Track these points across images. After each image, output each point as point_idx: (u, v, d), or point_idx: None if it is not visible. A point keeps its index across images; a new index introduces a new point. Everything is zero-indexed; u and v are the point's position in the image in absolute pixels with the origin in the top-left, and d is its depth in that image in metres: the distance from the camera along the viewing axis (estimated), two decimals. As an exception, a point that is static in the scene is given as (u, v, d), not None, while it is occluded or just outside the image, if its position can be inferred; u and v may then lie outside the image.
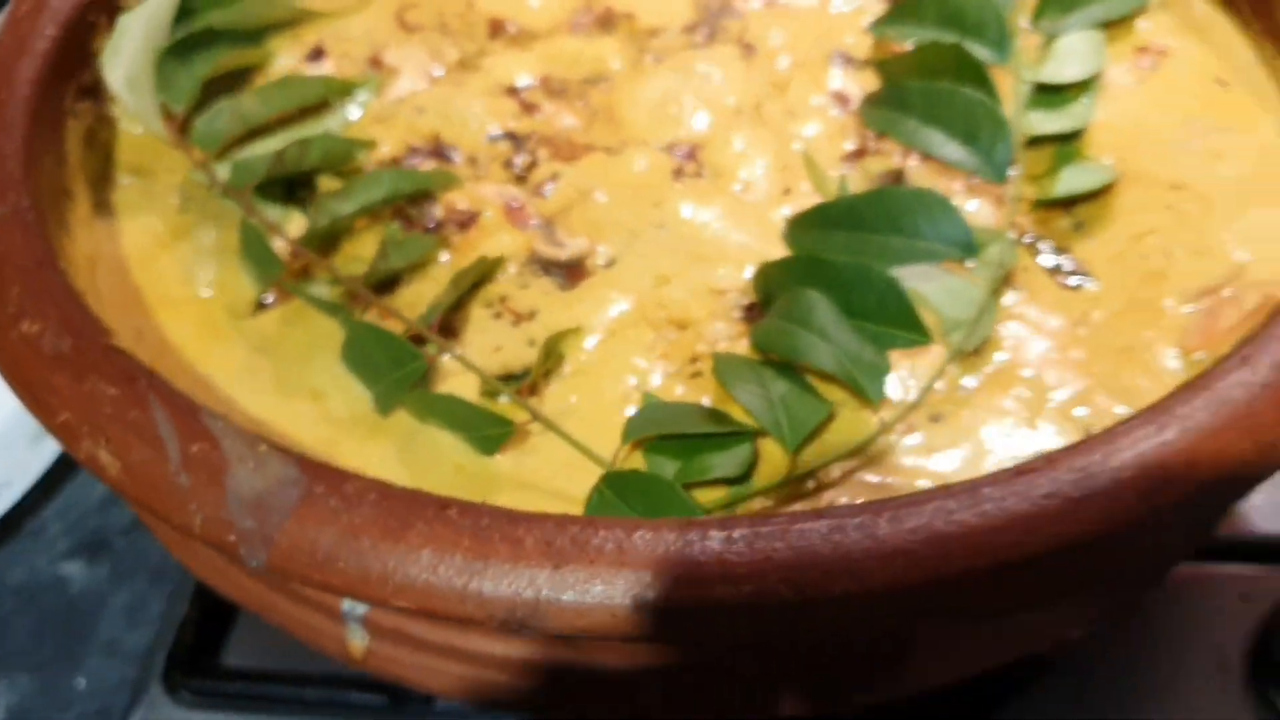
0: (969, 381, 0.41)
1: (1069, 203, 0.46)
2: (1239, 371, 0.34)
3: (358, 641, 0.38)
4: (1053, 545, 0.31)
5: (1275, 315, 0.37)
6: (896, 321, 0.40)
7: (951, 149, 0.46)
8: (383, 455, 0.40)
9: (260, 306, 0.45)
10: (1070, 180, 0.47)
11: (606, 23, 0.57)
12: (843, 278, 0.40)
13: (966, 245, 0.42)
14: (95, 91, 0.51)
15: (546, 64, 0.55)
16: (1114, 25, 0.54)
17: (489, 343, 0.43)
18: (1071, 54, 0.52)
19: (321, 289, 0.44)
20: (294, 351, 0.43)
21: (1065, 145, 0.48)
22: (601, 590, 0.30)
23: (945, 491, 0.31)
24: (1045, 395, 0.40)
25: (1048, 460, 0.32)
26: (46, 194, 0.45)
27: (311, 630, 0.39)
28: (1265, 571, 0.53)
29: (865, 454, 0.38)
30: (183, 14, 0.53)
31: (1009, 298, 0.43)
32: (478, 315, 0.44)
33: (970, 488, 0.31)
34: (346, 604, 0.37)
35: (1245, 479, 0.33)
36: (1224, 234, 0.45)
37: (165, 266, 0.47)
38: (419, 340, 0.42)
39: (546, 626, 0.31)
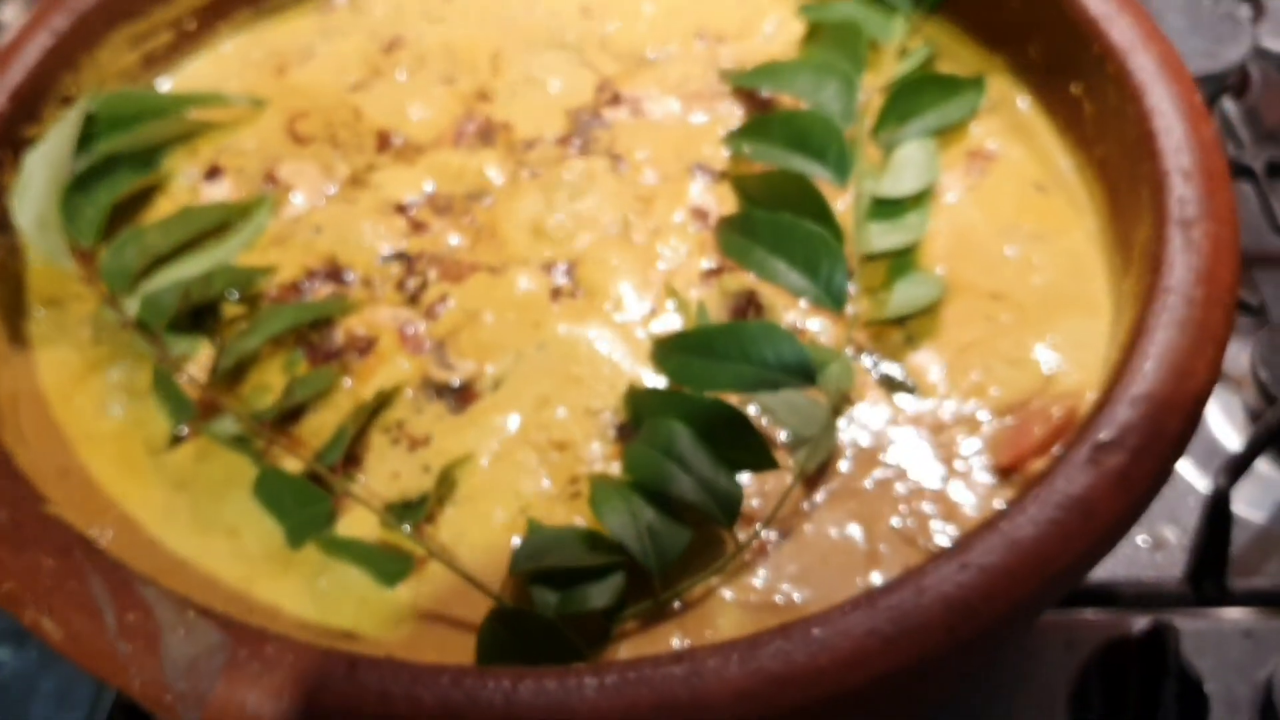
0: (815, 498, 0.46)
1: (902, 318, 0.52)
2: (1030, 509, 0.40)
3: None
4: (874, 678, 0.37)
5: (1068, 443, 0.43)
6: (748, 451, 0.46)
7: (794, 278, 0.52)
8: (295, 591, 0.44)
9: (175, 440, 0.49)
10: (902, 297, 0.52)
11: (486, 134, 0.61)
12: (700, 409, 0.46)
13: (807, 373, 0.48)
14: (2, 224, 0.54)
15: (432, 177, 0.59)
16: (947, 131, 0.60)
17: (388, 470, 0.48)
18: (907, 166, 0.58)
19: (230, 424, 0.48)
20: (209, 487, 0.48)
21: (900, 258, 0.54)
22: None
23: (781, 632, 0.37)
24: (879, 510, 0.46)
25: (867, 598, 0.38)
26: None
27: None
28: (1086, 617, 0.60)
29: (722, 572, 0.44)
30: (83, 142, 0.57)
31: (852, 412, 0.49)
32: (377, 442, 0.49)
33: (802, 628, 0.37)
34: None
35: (1036, 607, 0.39)
36: (1035, 343, 0.51)
37: (82, 401, 0.51)
38: (321, 475, 0.47)
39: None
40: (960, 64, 0.63)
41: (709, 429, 0.46)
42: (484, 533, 0.46)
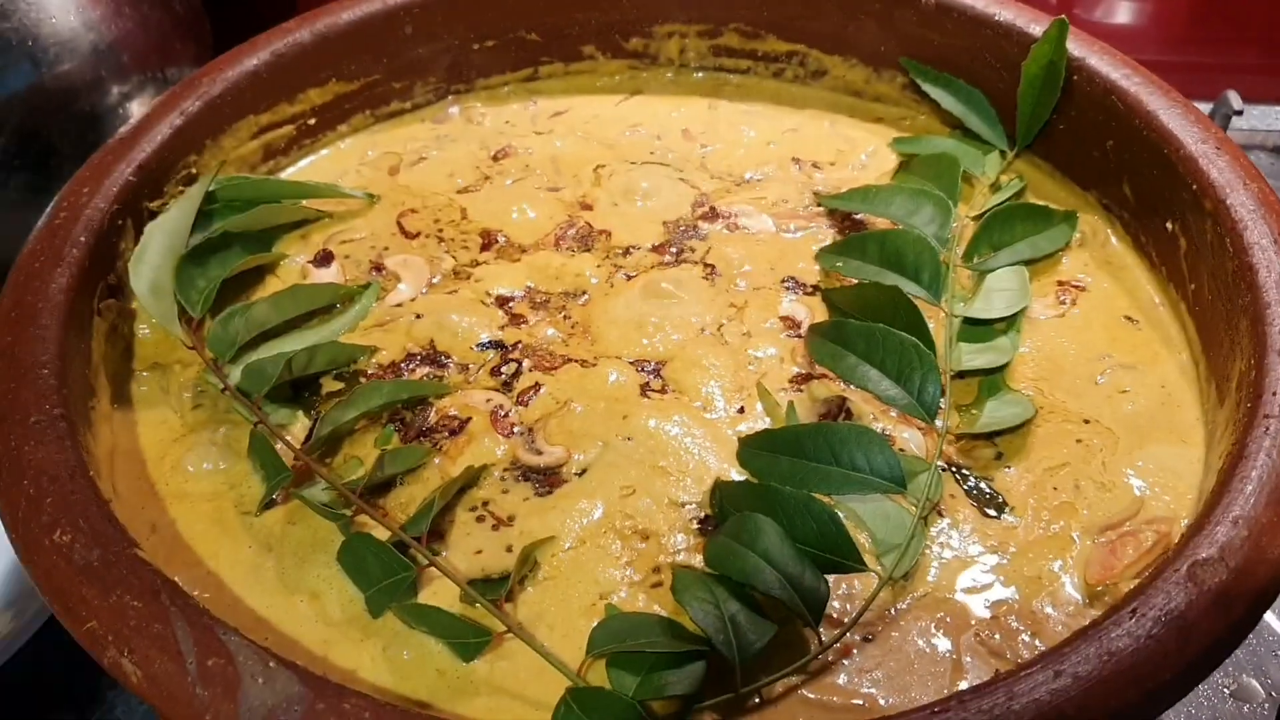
0: (900, 605, 0.46)
1: (992, 434, 0.52)
2: (1127, 624, 0.39)
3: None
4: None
5: (1165, 561, 0.42)
6: (836, 550, 0.45)
7: (886, 386, 0.52)
8: (373, 658, 0.44)
9: (266, 505, 0.50)
10: (993, 414, 0.53)
11: (586, 239, 0.63)
12: (788, 505, 0.46)
13: (898, 479, 0.48)
14: (118, 289, 0.57)
15: (532, 275, 0.61)
16: (1038, 261, 0.61)
17: (471, 546, 0.48)
18: (1000, 290, 0.58)
19: (321, 490, 0.49)
20: (295, 551, 0.48)
21: (990, 377, 0.55)
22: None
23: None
24: (965, 619, 0.45)
25: (958, 699, 0.37)
26: (76, 397, 0.50)
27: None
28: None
29: (805, 671, 0.43)
30: (201, 217, 0.59)
31: (936, 526, 0.48)
32: (462, 519, 0.49)
33: (892, 726, 0.36)
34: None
35: None
36: (1126, 469, 0.51)
37: (178, 461, 0.52)
38: (406, 546, 0.47)
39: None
40: (1052, 200, 0.64)
41: (796, 526, 0.46)
42: (563, 615, 0.46)
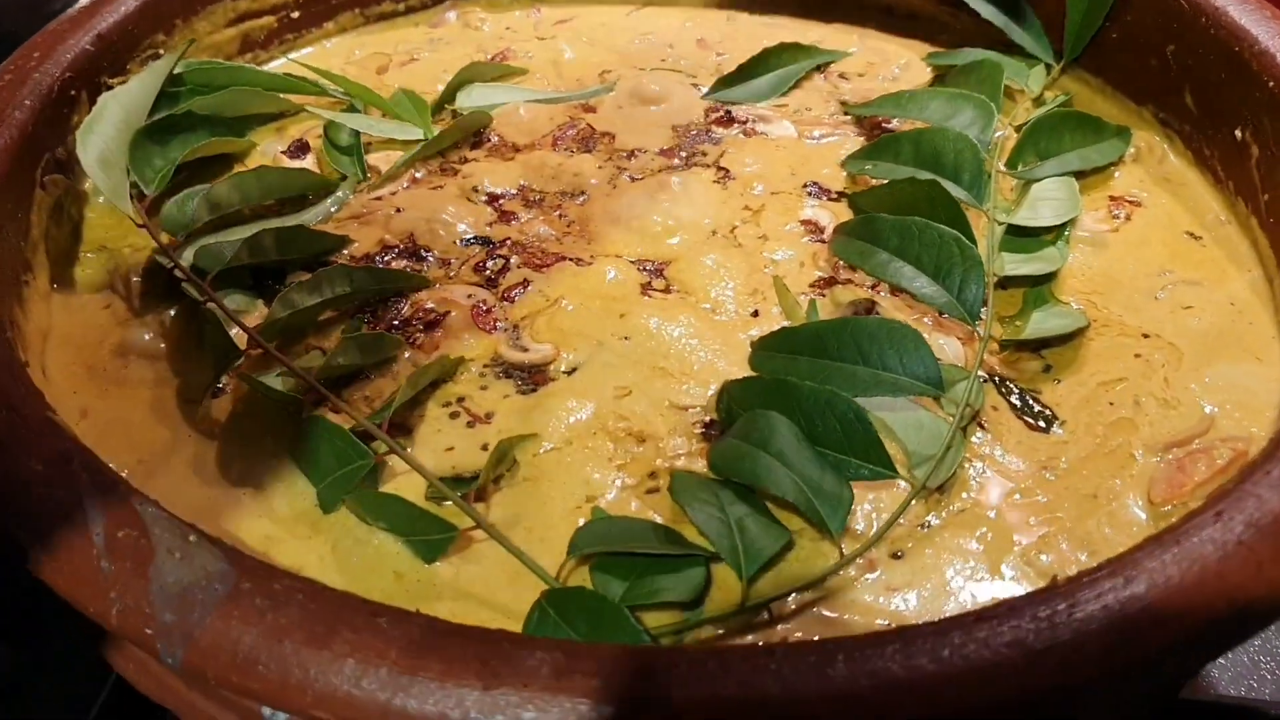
0: (932, 519, 0.39)
1: (1038, 345, 0.46)
2: (1212, 527, 0.33)
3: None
4: (1009, 698, 0.29)
5: (1247, 471, 0.36)
6: (861, 453, 0.39)
7: (922, 283, 0.46)
8: (321, 557, 0.38)
9: (215, 393, 0.44)
10: (1041, 323, 0.46)
11: (587, 141, 0.57)
12: (807, 402, 0.40)
13: (935, 381, 0.41)
14: (67, 166, 0.51)
15: (526, 175, 0.55)
16: (1089, 175, 0.55)
17: (442, 443, 0.42)
18: (1046, 200, 0.52)
19: (276, 380, 0.43)
20: (242, 441, 0.42)
21: (1036, 288, 0.48)
22: (533, 717, 0.29)
23: (903, 634, 0.30)
24: (1009, 538, 0.39)
25: (1011, 608, 0.31)
26: (5, 266, 0.44)
27: (227, 735, 0.37)
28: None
29: (822, 587, 0.37)
30: (165, 98, 0.53)
31: (976, 437, 0.42)
32: (434, 414, 0.43)
33: (933, 631, 0.30)
34: (267, 710, 0.35)
35: (1214, 640, 0.32)
36: (1193, 386, 0.44)
37: (119, 345, 0.46)
38: (368, 438, 0.41)
39: (478, 749, 0.29)
40: (1102, 115, 0.58)
41: (815, 426, 0.39)
42: (542, 517, 0.39)
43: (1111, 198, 0.54)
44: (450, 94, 0.59)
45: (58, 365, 0.45)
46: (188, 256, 0.47)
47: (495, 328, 0.47)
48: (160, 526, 0.32)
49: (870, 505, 0.40)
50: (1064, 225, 0.51)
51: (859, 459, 0.39)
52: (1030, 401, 0.44)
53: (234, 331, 0.45)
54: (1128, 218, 0.53)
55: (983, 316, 0.46)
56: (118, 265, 0.49)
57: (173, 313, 0.47)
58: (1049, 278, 0.49)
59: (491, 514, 0.40)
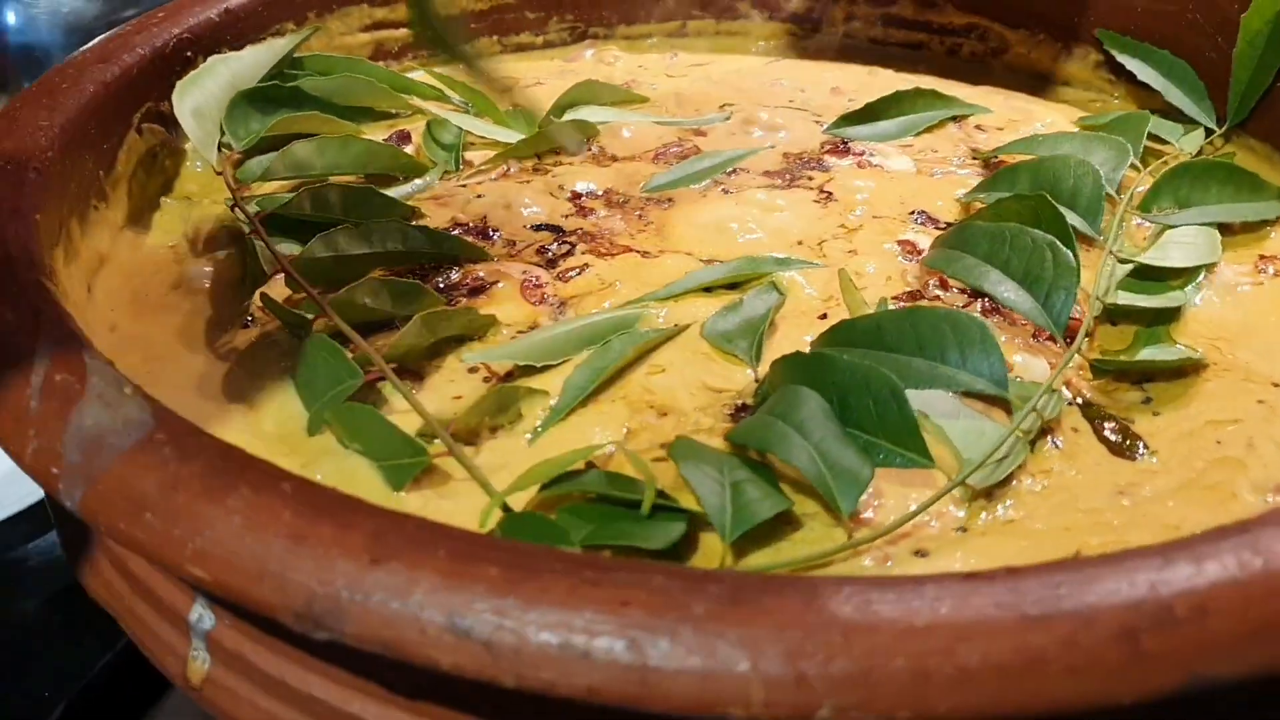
0: (971, 523, 0.34)
1: (1141, 378, 0.40)
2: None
3: (198, 664, 0.33)
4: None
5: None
6: (895, 435, 0.34)
7: (1008, 289, 0.41)
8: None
9: (244, 326, 0.43)
10: (1151, 352, 0.41)
11: (689, 157, 0.55)
12: (842, 377, 0.35)
13: (999, 380, 0.36)
14: (170, 121, 0.52)
15: (617, 180, 0.53)
16: (1238, 232, 0.49)
17: (450, 391, 0.39)
18: (1180, 244, 0.47)
19: (298, 312, 0.41)
20: (253, 364, 0.41)
21: (1152, 326, 0.43)
22: (419, 599, 0.25)
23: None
24: (1056, 556, 0.33)
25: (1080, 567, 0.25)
26: (73, 183, 0.44)
27: (160, 645, 0.34)
28: None
29: (822, 572, 0.32)
30: (280, 77, 0.54)
31: (1045, 449, 0.36)
32: (452, 365, 0.40)
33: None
34: (194, 613, 0.32)
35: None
36: (1325, 438, 0.37)
37: (171, 279, 0.46)
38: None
39: (345, 631, 0.25)
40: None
41: (849, 403, 0.35)
42: (528, 465, 0.36)
43: (1262, 256, 0.48)
44: (560, 109, 0.58)
45: (105, 288, 0.45)
46: (254, 208, 0.47)
47: (543, 300, 0.44)
48: (99, 375, 0.31)
49: (908, 501, 0.34)
50: (1196, 270, 0.45)
51: (891, 443, 0.34)
52: (1119, 428, 0.38)
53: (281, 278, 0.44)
54: (1277, 274, 0.46)
55: (1077, 329, 0.40)
56: (192, 213, 0.49)
57: (225, 253, 0.46)
58: (1168, 315, 0.43)
59: (480, 457, 0.36)
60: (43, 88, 0.46)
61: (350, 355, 0.38)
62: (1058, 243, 0.40)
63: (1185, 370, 0.40)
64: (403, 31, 0.63)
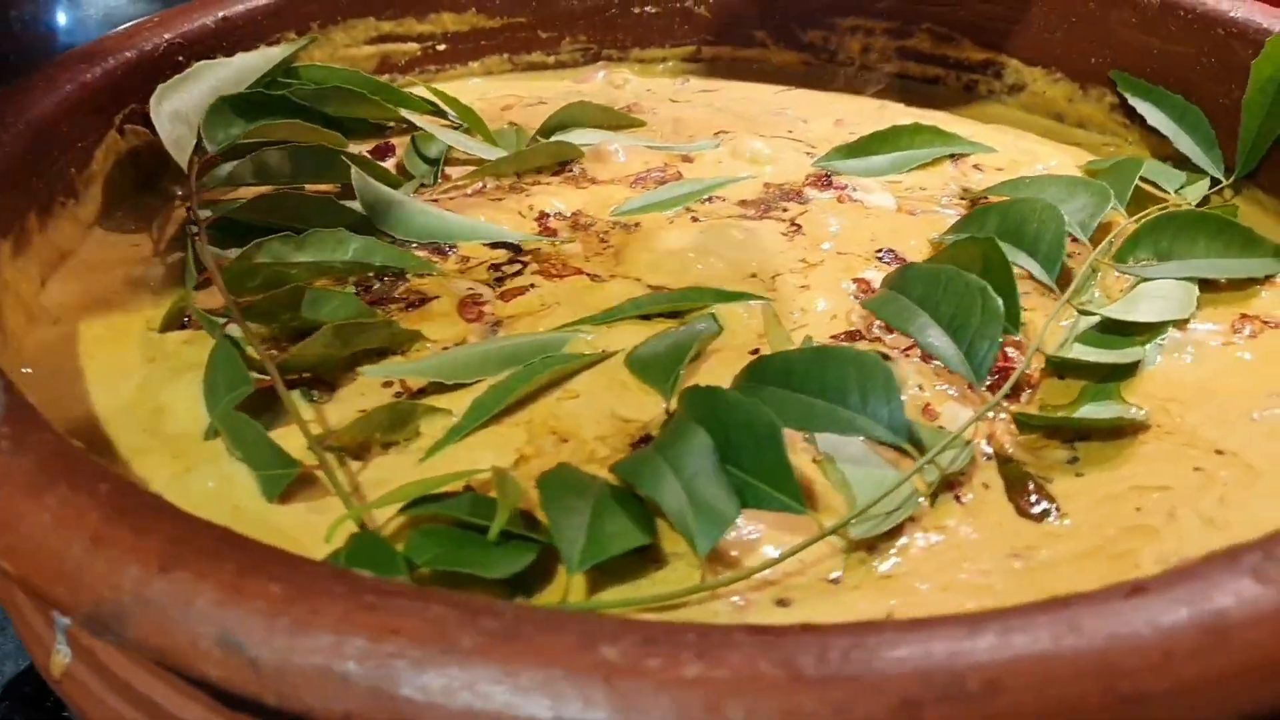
0: (844, 575, 0.32)
1: (1074, 437, 0.38)
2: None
3: (60, 657, 0.33)
4: None
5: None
6: (769, 478, 0.33)
7: (934, 335, 0.39)
8: (173, 475, 0.36)
9: (181, 327, 0.43)
10: (1089, 410, 0.39)
11: (666, 184, 0.54)
12: (730, 415, 0.34)
13: (896, 427, 0.34)
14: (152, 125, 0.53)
15: (589, 202, 0.52)
16: (1224, 289, 0.46)
17: (358, 404, 0.39)
18: (1152, 298, 0.44)
19: (221, 317, 0.42)
20: (174, 366, 0.41)
21: (1102, 383, 0.40)
22: (197, 611, 0.25)
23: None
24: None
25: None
26: (35, 178, 0.46)
27: (32, 634, 0.34)
28: None
29: (673, 613, 0.31)
30: (273, 85, 0.55)
31: (949, 505, 0.35)
32: (367, 381, 0.40)
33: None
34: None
35: None
36: (1259, 513, 0.35)
37: (129, 276, 0.46)
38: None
39: (125, 636, 0.25)
40: (1275, 238, 0.49)
41: (731, 441, 0.34)
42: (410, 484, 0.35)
43: (1244, 315, 0.45)
44: (549, 129, 0.58)
45: (62, 282, 0.46)
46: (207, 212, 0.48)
47: (480, 318, 0.44)
48: (-35, 365, 0.31)
49: (777, 546, 0.33)
50: (1162, 325, 0.43)
51: (767, 485, 0.33)
52: (1034, 487, 0.36)
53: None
54: (1253, 335, 0.44)
55: (1000, 379, 0.38)
56: (169, 214, 0.50)
57: (181, 260, 0.47)
58: (1123, 371, 0.41)
59: (364, 474, 0.36)
60: (21, 85, 0.47)
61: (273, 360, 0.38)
62: (989, 289, 0.38)
63: (1123, 431, 0.38)
64: (410, 45, 0.64)
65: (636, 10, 0.67)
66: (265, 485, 0.35)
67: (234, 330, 0.41)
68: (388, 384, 0.40)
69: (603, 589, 0.31)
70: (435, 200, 0.52)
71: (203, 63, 0.53)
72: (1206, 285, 0.46)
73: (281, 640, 0.24)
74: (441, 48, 0.65)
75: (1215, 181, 0.53)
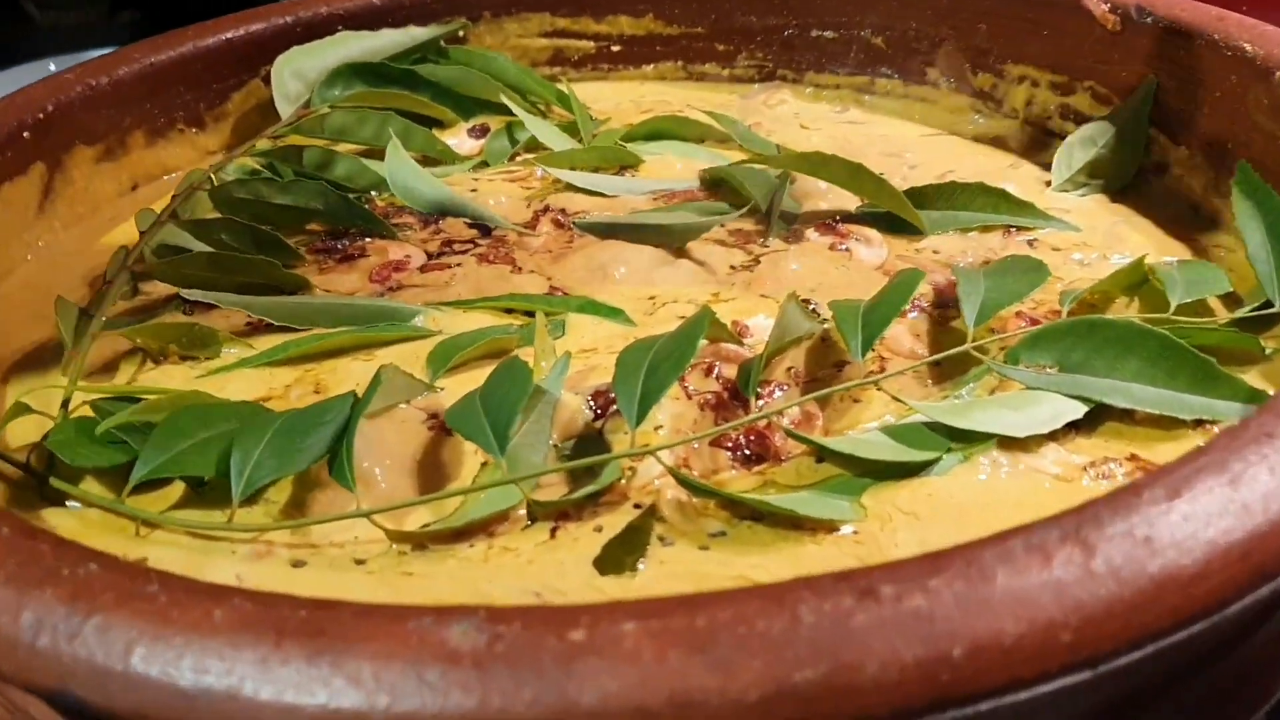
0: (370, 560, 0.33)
1: (752, 516, 0.35)
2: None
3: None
4: None
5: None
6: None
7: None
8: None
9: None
10: (790, 499, 0.35)
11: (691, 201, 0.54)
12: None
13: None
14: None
15: (599, 205, 0.54)
16: (1148, 423, 0.38)
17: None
18: (1015, 410, 0.38)
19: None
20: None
21: (862, 477, 0.36)
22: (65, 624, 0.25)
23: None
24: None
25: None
26: (154, 104, 0.57)
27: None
28: None
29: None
30: (420, 61, 0.62)
31: (524, 526, 0.34)
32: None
33: None
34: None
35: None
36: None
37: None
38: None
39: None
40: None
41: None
42: (187, 390, 0.41)
43: (1133, 456, 0.37)
44: (631, 135, 0.60)
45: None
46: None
47: (384, 280, 0.48)
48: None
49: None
50: (986, 438, 0.37)
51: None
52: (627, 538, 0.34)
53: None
54: (1106, 477, 0.36)
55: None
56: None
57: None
58: (898, 470, 0.36)
59: (146, 375, 0.43)
60: (178, 33, 0.59)
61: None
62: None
63: (802, 525, 0.34)
64: (585, 43, 0.68)
65: (814, 34, 0.66)
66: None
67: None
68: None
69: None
70: (476, 177, 0.57)
71: (347, 32, 0.61)
72: (1126, 415, 0.38)
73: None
74: (616, 49, 0.68)
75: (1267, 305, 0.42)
